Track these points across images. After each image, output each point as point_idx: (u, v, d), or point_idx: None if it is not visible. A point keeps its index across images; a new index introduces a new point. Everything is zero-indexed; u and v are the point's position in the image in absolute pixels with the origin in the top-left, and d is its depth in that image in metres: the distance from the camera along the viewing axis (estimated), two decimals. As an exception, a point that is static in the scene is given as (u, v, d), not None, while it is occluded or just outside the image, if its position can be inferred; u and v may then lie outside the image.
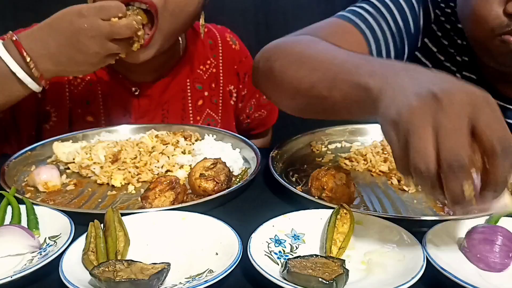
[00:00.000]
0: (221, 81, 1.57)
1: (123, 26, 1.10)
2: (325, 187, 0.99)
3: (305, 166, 1.23)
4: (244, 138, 1.30)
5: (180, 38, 1.50)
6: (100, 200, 1.07)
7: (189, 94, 1.52)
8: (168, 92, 1.49)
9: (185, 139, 1.30)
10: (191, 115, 1.52)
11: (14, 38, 1.10)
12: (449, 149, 0.66)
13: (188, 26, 1.37)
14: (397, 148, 0.72)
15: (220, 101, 1.57)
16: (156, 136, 1.28)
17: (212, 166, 1.06)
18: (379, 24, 1.22)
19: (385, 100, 0.76)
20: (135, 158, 1.19)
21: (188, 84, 1.52)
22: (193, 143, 1.29)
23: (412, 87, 0.73)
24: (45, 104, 1.40)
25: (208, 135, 1.30)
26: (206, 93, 1.54)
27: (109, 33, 1.09)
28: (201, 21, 1.35)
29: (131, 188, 1.12)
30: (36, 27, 1.14)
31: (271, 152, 1.19)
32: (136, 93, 1.45)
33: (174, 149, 1.23)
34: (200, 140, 1.31)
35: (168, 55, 1.45)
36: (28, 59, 1.09)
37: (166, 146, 1.24)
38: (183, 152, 1.24)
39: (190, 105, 1.52)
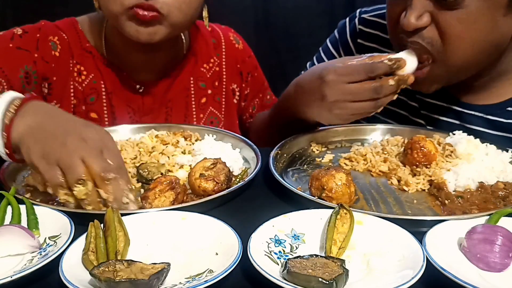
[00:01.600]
0: (224, 80, 1.58)
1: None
2: (325, 187, 0.99)
3: (305, 166, 1.23)
4: (244, 138, 1.30)
5: (183, 37, 1.52)
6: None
7: (192, 92, 1.53)
8: (172, 90, 1.50)
9: (185, 139, 1.30)
10: (194, 113, 1.53)
11: (12, 111, 0.98)
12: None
13: (194, 19, 1.38)
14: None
15: (223, 100, 1.59)
16: (156, 136, 1.28)
17: (212, 166, 1.06)
18: None
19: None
20: (135, 158, 1.19)
21: (192, 82, 1.53)
22: (193, 143, 1.29)
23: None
24: (50, 100, 1.41)
25: (208, 135, 1.30)
26: (209, 91, 1.56)
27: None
28: (204, 13, 1.38)
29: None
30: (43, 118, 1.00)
31: (271, 152, 1.19)
32: (140, 90, 1.46)
33: (174, 149, 1.24)
34: (200, 140, 1.31)
35: (171, 53, 1.47)
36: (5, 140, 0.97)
37: (166, 146, 1.24)
38: (183, 152, 1.24)
39: (193, 103, 1.53)
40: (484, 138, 1.22)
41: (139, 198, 1.00)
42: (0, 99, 1.00)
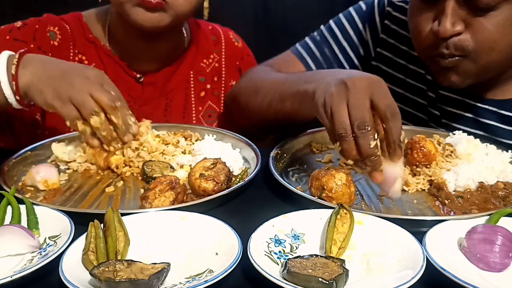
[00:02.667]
0: (223, 76, 1.61)
1: (96, 122, 1.10)
2: (325, 187, 0.99)
3: (305, 166, 1.23)
4: (244, 138, 1.30)
5: (184, 31, 1.55)
6: (100, 199, 1.07)
7: (192, 85, 1.56)
8: (172, 82, 1.53)
9: (185, 139, 1.30)
10: (193, 105, 1.56)
11: (15, 63, 1.11)
12: (357, 116, 0.96)
13: (197, 9, 1.41)
14: (327, 123, 1.02)
15: (222, 95, 1.61)
16: (158, 136, 1.28)
17: (212, 166, 1.06)
18: (321, 49, 1.49)
19: (317, 93, 1.06)
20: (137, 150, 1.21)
21: (192, 75, 1.56)
22: (193, 143, 1.29)
23: (332, 81, 1.03)
24: None
25: (208, 135, 1.30)
26: (208, 86, 1.59)
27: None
28: (205, 3, 1.40)
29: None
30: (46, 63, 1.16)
31: (271, 152, 1.19)
32: (141, 79, 1.49)
33: (175, 149, 1.24)
34: (200, 140, 1.31)
35: (173, 45, 1.51)
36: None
37: (167, 146, 1.24)
38: (183, 152, 1.24)
39: (192, 95, 1.56)
40: (497, 133, 1.22)
41: (139, 198, 1.00)
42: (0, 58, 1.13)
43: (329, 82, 1.04)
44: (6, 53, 1.14)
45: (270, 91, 1.30)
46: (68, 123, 1.12)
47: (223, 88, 1.61)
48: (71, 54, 1.45)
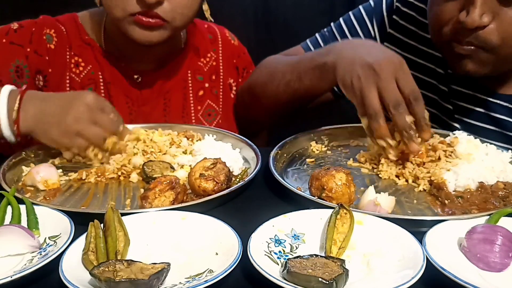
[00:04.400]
0: (221, 74, 1.61)
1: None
2: (325, 187, 0.99)
3: (305, 166, 1.23)
4: (244, 138, 1.30)
5: (181, 31, 1.54)
6: (99, 195, 1.08)
7: (190, 84, 1.55)
8: (170, 82, 1.53)
9: (187, 139, 1.30)
10: (192, 104, 1.55)
11: (17, 105, 1.14)
12: (391, 98, 1.07)
13: (193, 18, 1.41)
14: (357, 103, 1.12)
15: (221, 93, 1.61)
16: (168, 134, 1.28)
17: (212, 166, 1.06)
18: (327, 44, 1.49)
19: (339, 70, 1.14)
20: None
21: (189, 74, 1.56)
22: (193, 143, 1.29)
23: (356, 59, 1.12)
24: (46, 91, 1.40)
25: (208, 135, 1.30)
26: (206, 85, 1.58)
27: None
28: (205, 6, 1.40)
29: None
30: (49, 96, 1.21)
31: (271, 152, 1.19)
32: (138, 80, 1.48)
33: (176, 150, 1.24)
34: (200, 140, 1.31)
35: (169, 46, 1.49)
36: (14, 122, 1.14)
37: (170, 147, 1.24)
38: (184, 152, 1.24)
39: (191, 95, 1.55)
40: (508, 127, 1.22)
41: (139, 198, 1.00)
42: (1, 95, 1.15)
43: (352, 60, 1.13)
44: (6, 92, 1.15)
45: (286, 73, 1.34)
46: (80, 155, 1.20)
47: (221, 87, 1.61)
48: (68, 56, 1.43)
